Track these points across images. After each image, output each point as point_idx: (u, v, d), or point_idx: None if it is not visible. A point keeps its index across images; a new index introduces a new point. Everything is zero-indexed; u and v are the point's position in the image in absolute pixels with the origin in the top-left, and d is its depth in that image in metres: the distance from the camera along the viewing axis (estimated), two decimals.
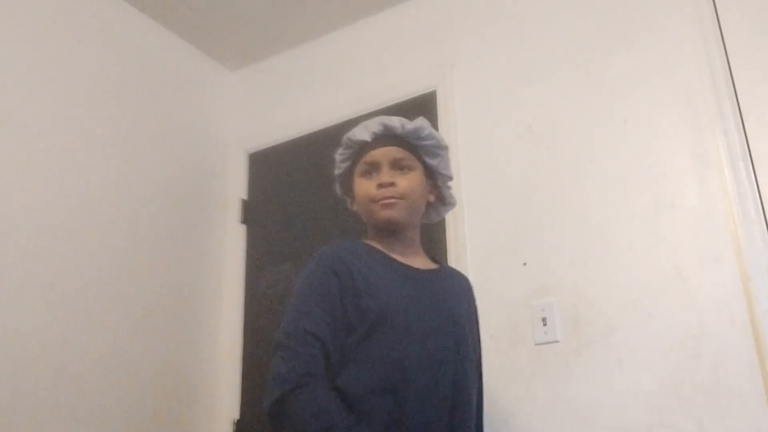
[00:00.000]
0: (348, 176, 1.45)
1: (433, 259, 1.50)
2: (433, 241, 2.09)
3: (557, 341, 1.81)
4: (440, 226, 2.09)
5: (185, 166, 2.48)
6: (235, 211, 2.58)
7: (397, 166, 1.37)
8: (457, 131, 2.17)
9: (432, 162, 1.43)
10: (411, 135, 1.40)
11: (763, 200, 1.67)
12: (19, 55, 1.99)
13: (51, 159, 2.00)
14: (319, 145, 2.47)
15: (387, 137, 1.39)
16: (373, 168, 1.37)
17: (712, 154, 1.75)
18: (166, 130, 2.44)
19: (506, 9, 2.22)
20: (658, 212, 1.78)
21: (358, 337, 1.23)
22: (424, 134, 1.40)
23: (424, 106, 2.27)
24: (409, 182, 1.36)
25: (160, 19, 2.48)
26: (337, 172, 1.48)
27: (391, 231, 1.38)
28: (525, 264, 1.93)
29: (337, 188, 1.52)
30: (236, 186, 2.62)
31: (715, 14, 1.85)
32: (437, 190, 1.47)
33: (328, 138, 2.43)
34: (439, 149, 1.44)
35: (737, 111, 1.75)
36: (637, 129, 1.88)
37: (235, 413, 2.32)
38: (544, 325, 1.83)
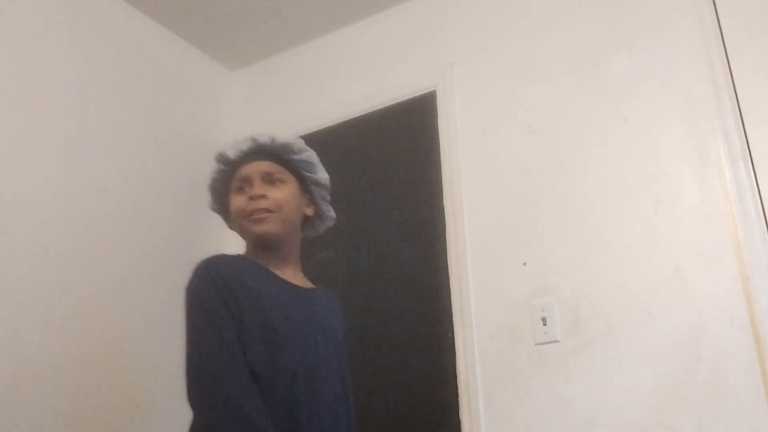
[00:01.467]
0: (224, 195, 1.45)
1: (313, 283, 1.50)
2: (434, 240, 2.09)
3: (557, 341, 1.81)
4: (440, 226, 2.09)
5: (185, 166, 2.48)
6: None
7: (269, 179, 1.38)
8: (457, 131, 2.17)
9: (309, 175, 1.44)
10: (281, 149, 1.40)
11: (763, 200, 1.67)
12: (19, 55, 1.99)
13: (51, 159, 2.00)
14: (318, 146, 2.45)
15: (258, 153, 1.40)
16: (246, 183, 1.38)
17: (712, 154, 1.75)
18: (166, 130, 2.44)
19: (506, 9, 2.22)
20: (658, 212, 1.78)
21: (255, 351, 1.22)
22: (296, 148, 1.41)
23: (424, 106, 2.27)
24: (282, 194, 1.37)
25: (160, 19, 2.48)
26: (211, 190, 1.48)
27: (267, 246, 1.37)
28: (525, 264, 1.93)
29: (211, 205, 1.51)
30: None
31: (715, 14, 1.85)
32: (316, 205, 1.48)
33: (328, 138, 2.44)
34: (314, 164, 1.45)
35: (737, 111, 1.75)
36: (637, 129, 1.88)
37: None
38: (544, 325, 1.83)
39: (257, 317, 1.24)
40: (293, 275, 1.41)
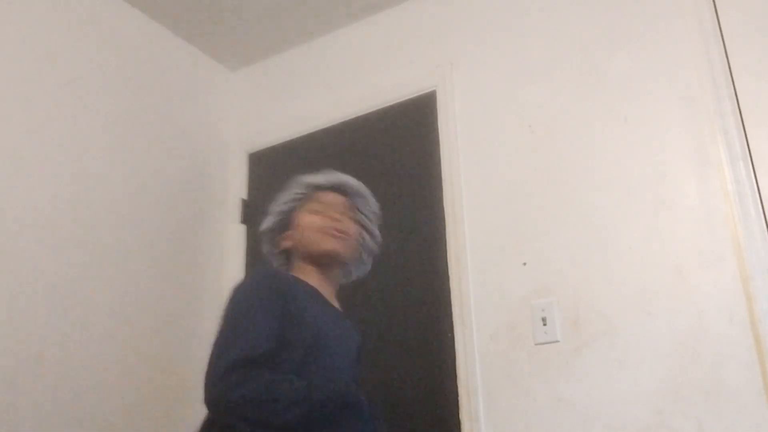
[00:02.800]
0: (289, 214, 1.52)
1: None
2: (434, 240, 2.09)
3: (557, 341, 1.81)
4: (440, 226, 2.09)
5: (185, 166, 2.48)
6: (235, 211, 2.58)
7: (346, 214, 1.50)
8: (457, 131, 2.17)
9: (367, 225, 1.56)
10: (361, 195, 1.55)
11: (763, 200, 1.67)
12: (19, 55, 1.99)
13: (51, 159, 2.00)
14: (319, 145, 2.47)
15: (340, 188, 1.53)
16: (326, 209, 1.47)
17: (712, 154, 1.75)
18: (166, 130, 2.44)
19: (506, 9, 2.22)
20: (658, 212, 1.78)
21: (294, 360, 1.27)
22: (371, 201, 1.57)
23: (424, 106, 2.27)
24: (354, 226, 1.50)
25: (160, 19, 2.48)
26: (281, 208, 1.54)
27: (325, 264, 1.46)
28: (525, 264, 1.93)
29: (269, 222, 1.56)
30: (236, 186, 2.62)
31: (715, 14, 1.85)
32: (362, 250, 1.58)
33: (328, 138, 2.44)
34: (374, 218, 1.58)
35: (737, 111, 1.75)
36: (637, 129, 1.88)
37: None
38: (544, 325, 1.83)
39: (302, 333, 1.30)
40: (332, 298, 1.49)
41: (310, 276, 1.44)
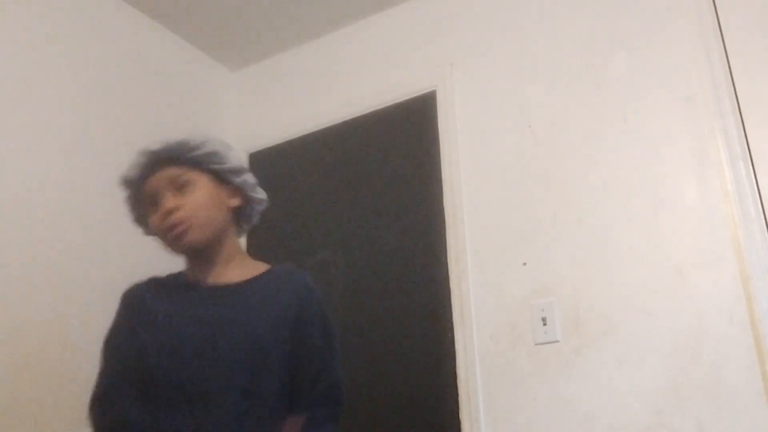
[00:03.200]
0: (146, 217, 1.35)
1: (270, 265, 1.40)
2: (434, 240, 2.09)
3: (557, 341, 1.81)
4: (440, 226, 2.09)
5: None
6: None
7: (176, 186, 1.27)
8: (457, 131, 2.17)
9: (219, 167, 1.31)
10: (178, 151, 1.29)
11: (763, 200, 1.67)
12: (19, 55, 1.99)
13: (50, 159, 2.00)
14: (319, 145, 2.47)
15: (156, 163, 1.30)
16: (155, 199, 1.29)
17: (712, 154, 1.75)
18: (167, 130, 2.41)
19: (506, 9, 2.22)
20: (658, 212, 1.78)
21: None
22: (193, 144, 1.30)
23: (424, 106, 2.27)
24: (193, 197, 1.27)
25: (160, 19, 2.48)
26: (133, 218, 1.40)
27: (195, 254, 1.32)
28: (525, 264, 1.93)
29: (145, 231, 1.41)
30: None
31: (715, 14, 1.85)
32: (241, 192, 1.35)
33: (328, 138, 2.44)
34: (219, 153, 1.32)
35: (737, 111, 1.75)
36: (637, 129, 1.88)
37: None
38: (544, 324, 1.83)
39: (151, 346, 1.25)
40: (226, 272, 1.32)
41: (193, 264, 1.33)
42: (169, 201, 1.26)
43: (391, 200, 2.25)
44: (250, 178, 1.37)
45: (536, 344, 1.83)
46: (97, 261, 2.06)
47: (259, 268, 1.37)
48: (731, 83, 1.77)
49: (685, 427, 1.60)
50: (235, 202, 1.35)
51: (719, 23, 1.83)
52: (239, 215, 1.37)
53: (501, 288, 1.93)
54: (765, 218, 1.66)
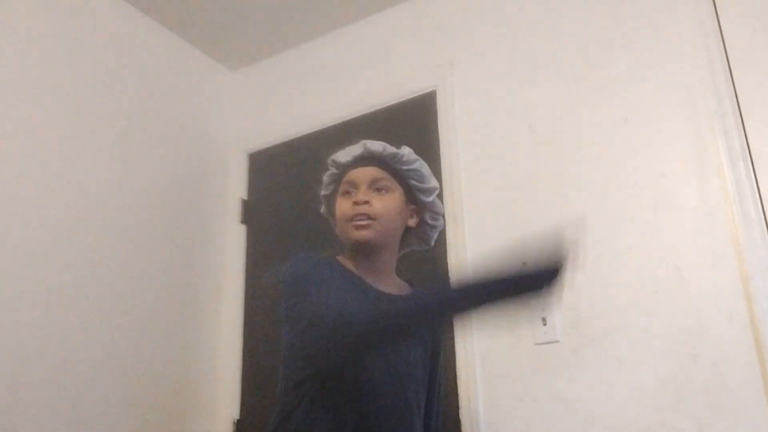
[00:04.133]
0: (332, 197, 1.45)
1: (411, 285, 1.49)
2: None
3: (557, 341, 1.81)
4: None
5: (185, 166, 2.48)
6: (235, 211, 2.58)
7: (375, 186, 1.37)
8: (457, 131, 2.17)
9: (416, 184, 1.41)
10: (390, 158, 1.39)
11: (763, 200, 1.67)
12: (19, 55, 1.99)
13: (51, 159, 2.00)
14: (319, 145, 2.45)
15: (368, 159, 1.40)
16: (352, 187, 1.38)
17: (712, 154, 1.75)
18: (166, 130, 2.44)
19: (506, 9, 2.22)
20: (658, 212, 1.78)
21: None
22: (405, 159, 1.39)
23: (424, 106, 2.27)
24: (384, 203, 1.36)
25: (160, 19, 2.48)
26: (323, 192, 1.49)
27: (365, 252, 1.37)
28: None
29: (324, 210, 1.52)
30: (236, 186, 2.62)
31: (715, 14, 1.85)
32: (419, 216, 1.45)
33: (328, 138, 2.44)
34: (423, 174, 1.42)
35: (737, 111, 1.75)
36: (637, 129, 1.88)
37: (235, 413, 2.32)
38: (544, 325, 1.83)
39: None
40: (387, 284, 1.39)
41: (357, 265, 1.37)
42: (366, 195, 1.35)
43: None
44: (438, 203, 1.47)
45: (536, 344, 1.83)
46: (96, 260, 2.06)
47: (403, 286, 1.45)
48: (731, 83, 1.77)
49: (685, 427, 1.60)
50: (412, 222, 1.44)
51: (719, 23, 1.83)
52: (411, 236, 1.48)
53: None
54: (765, 218, 1.66)
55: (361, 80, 2.46)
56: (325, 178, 1.47)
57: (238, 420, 2.31)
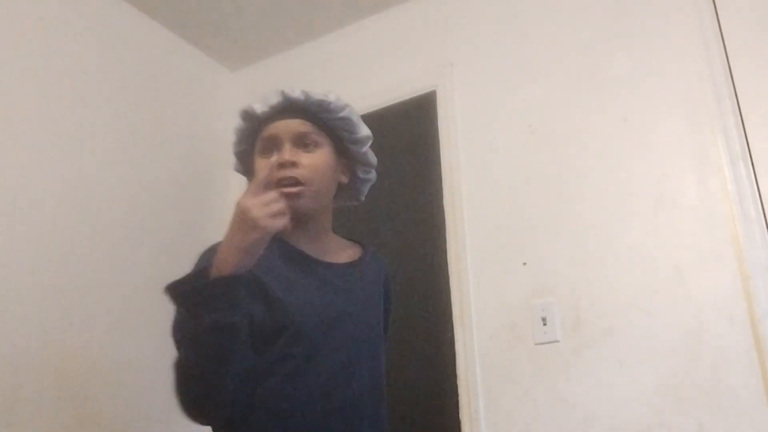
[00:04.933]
0: (248, 155, 1.27)
1: (352, 240, 1.35)
2: (434, 240, 2.09)
3: (557, 341, 1.81)
4: (440, 226, 2.09)
5: (185, 166, 2.48)
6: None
7: (301, 142, 1.20)
8: (457, 131, 2.17)
9: (348, 136, 1.25)
10: (316, 107, 1.23)
11: (763, 200, 1.67)
12: (19, 55, 1.99)
13: (50, 159, 2.00)
14: None
15: (289, 110, 1.22)
16: (273, 144, 1.19)
17: (712, 154, 1.75)
18: (166, 130, 2.44)
19: (506, 9, 2.22)
20: (658, 212, 1.78)
21: (272, 353, 1.10)
22: (333, 106, 1.23)
23: (424, 106, 2.27)
24: (314, 161, 1.18)
25: (160, 19, 2.48)
26: (236, 149, 1.30)
27: (297, 220, 1.15)
28: (525, 264, 1.93)
29: (236, 166, 1.33)
30: (236, 186, 2.62)
31: (715, 14, 1.85)
32: (351, 172, 1.30)
33: None
34: (353, 122, 1.26)
35: (737, 111, 1.75)
36: (637, 129, 1.88)
37: None
38: (544, 325, 1.83)
39: (284, 318, 1.11)
40: (326, 250, 1.24)
41: (293, 233, 1.16)
42: (289, 153, 1.17)
43: (391, 200, 2.25)
44: (370, 154, 1.31)
45: (536, 344, 1.83)
46: (96, 261, 2.06)
47: (349, 246, 1.32)
48: (731, 83, 1.77)
49: (685, 427, 1.60)
50: (344, 178, 1.29)
51: (719, 23, 1.83)
52: (341, 192, 1.32)
53: (501, 288, 1.93)
54: (765, 218, 1.66)
55: (361, 80, 2.46)
56: (237, 132, 1.29)
57: None
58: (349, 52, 2.54)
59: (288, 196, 1.11)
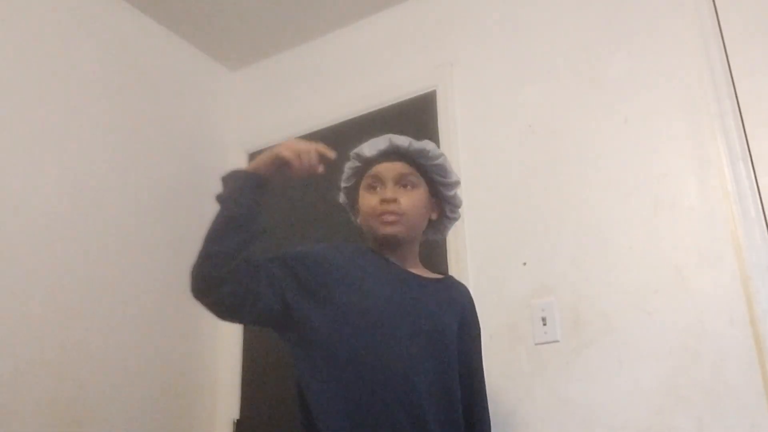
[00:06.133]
0: (353, 190, 1.48)
1: (438, 272, 1.52)
2: (433, 241, 2.09)
3: (557, 341, 1.81)
4: None
5: (185, 166, 2.48)
6: None
7: (401, 182, 1.40)
8: (457, 131, 2.17)
9: (440, 179, 1.45)
10: (417, 154, 1.42)
11: (763, 200, 1.67)
12: (19, 55, 1.99)
13: (51, 159, 2.00)
14: None
15: (393, 153, 1.42)
16: (378, 182, 1.40)
17: (712, 154, 1.75)
18: (166, 130, 2.44)
19: (506, 9, 2.22)
20: (658, 212, 1.78)
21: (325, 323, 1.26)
22: (431, 154, 1.42)
23: (424, 106, 2.27)
24: (411, 200, 1.39)
25: (160, 19, 2.48)
26: (344, 184, 1.51)
27: (390, 245, 1.40)
28: (525, 264, 1.93)
29: (342, 198, 1.54)
30: None
31: (715, 14, 1.85)
32: (440, 210, 1.49)
33: (328, 138, 2.41)
34: (446, 169, 1.45)
35: (737, 111, 1.75)
36: (637, 129, 1.88)
37: (235, 413, 2.32)
38: (544, 324, 1.83)
39: (344, 297, 1.28)
40: (412, 268, 1.43)
41: (385, 253, 1.41)
42: (392, 191, 1.38)
43: None
44: (458, 196, 1.50)
45: (536, 344, 1.84)
46: (95, 260, 2.06)
47: (432, 274, 1.48)
48: (731, 83, 1.77)
49: (685, 427, 1.60)
50: (434, 216, 1.48)
51: (719, 23, 1.83)
52: (430, 227, 1.51)
53: (501, 288, 1.93)
54: (765, 218, 1.66)
55: (361, 80, 2.46)
56: (347, 170, 1.49)
57: (238, 420, 2.30)
58: (348, 52, 2.54)
59: (386, 224, 1.36)
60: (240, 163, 2.65)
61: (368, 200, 1.40)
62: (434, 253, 2.07)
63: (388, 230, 1.36)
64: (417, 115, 2.28)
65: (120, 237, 2.15)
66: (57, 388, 1.85)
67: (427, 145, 1.42)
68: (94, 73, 2.20)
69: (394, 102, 2.34)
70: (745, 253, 1.64)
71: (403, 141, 1.42)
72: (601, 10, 2.04)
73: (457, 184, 1.48)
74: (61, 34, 2.13)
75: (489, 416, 1.45)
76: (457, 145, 2.14)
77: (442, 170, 1.44)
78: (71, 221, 2.01)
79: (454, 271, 2.01)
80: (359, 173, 1.46)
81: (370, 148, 1.43)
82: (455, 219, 1.53)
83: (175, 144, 2.46)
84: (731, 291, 1.64)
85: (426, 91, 2.29)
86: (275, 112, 2.66)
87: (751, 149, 1.71)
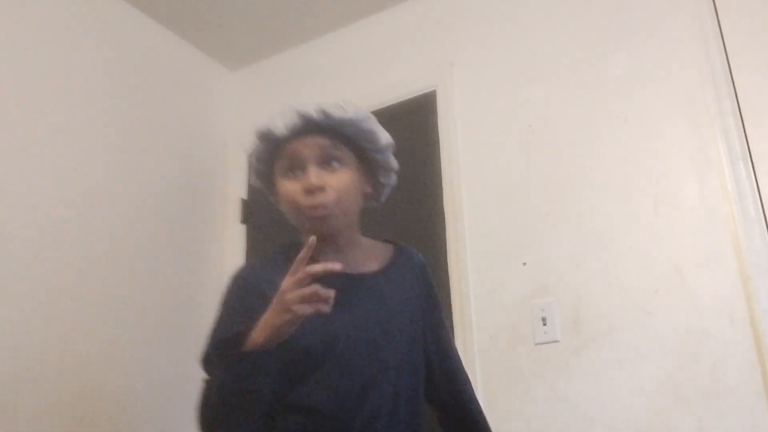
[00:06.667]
0: (270, 175, 1.23)
1: (386, 240, 1.34)
2: (434, 240, 2.09)
3: (557, 341, 1.81)
4: (440, 226, 2.09)
5: (185, 166, 2.48)
6: (235, 211, 2.58)
7: (324, 159, 1.15)
8: (457, 131, 2.17)
9: (369, 146, 1.22)
10: (334, 122, 1.17)
11: (763, 200, 1.67)
12: (19, 55, 1.99)
13: (51, 159, 2.00)
14: None
15: (309, 128, 1.16)
16: (296, 165, 1.15)
17: (712, 154, 1.75)
18: (166, 130, 2.44)
19: (506, 9, 2.22)
20: (658, 212, 1.78)
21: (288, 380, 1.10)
22: (353, 119, 1.19)
23: (424, 106, 2.27)
24: (341, 182, 1.15)
25: (160, 19, 2.48)
26: (254, 169, 1.28)
27: (324, 239, 1.16)
28: (525, 264, 1.93)
29: (254, 181, 1.30)
30: (236, 186, 2.62)
31: (715, 14, 1.85)
32: (373, 179, 1.27)
33: None
34: (374, 132, 1.23)
35: (737, 111, 1.75)
36: (637, 129, 1.88)
37: None
38: (544, 324, 1.83)
39: (298, 342, 1.08)
40: (355, 260, 1.22)
41: (320, 248, 1.12)
42: (315, 176, 1.13)
43: (391, 200, 2.24)
44: (391, 158, 1.27)
45: (536, 344, 1.83)
46: (94, 261, 2.06)
47: (380, 249, 1.31)
48: (731, 83, 1.77)
49: (685, 427, 1.60)
50: (368, 188, 1.26)
51: (719, 23, 1.83)
52: (365, 198, 1.29)
53: (501, 288, 1.93)
54: (765, 218, 1.66)
55: (361, 80, 2.46)
56: (254, 152, 1.24)
57: None
58: (349, 52, 2.54)
59: (318, 220, 1.13)
60: (240, 163, 2.65)
61: (289, 189, 1.15)
62: (434, 253, 2.08)
63: (319, 226, 1.13)
64: (417, 115, 2.28)
65: (120, 236, 2.15)
66: (57, 388, 1.85)
67: (347, 110, 1.18)
68: (94, 73, 2.20)
69: (394, 102, 2.34)
70: (745, 253, 1.64)
71: (316, 112, 1.15)
72: (601, 10, 2.04)
73: (389, 145, 1.25)
74: (61, 34, 2.13)
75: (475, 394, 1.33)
76: (457, 145, 2.14)
77: (371, 135, 1.21)
78: (71, 220, 2.01)
79: (454, 271, 2.01)
80: (271, 155, 1.20)
81: (279, 126, 1.16)
82: (390, 184, 1.31)
83: (175, 144, 2.46)
84: (731, 291, 1.64)
85: (426, 91, 2.29)
86: (275, 112, 2.65)
87: (751, 149, 1.71)
